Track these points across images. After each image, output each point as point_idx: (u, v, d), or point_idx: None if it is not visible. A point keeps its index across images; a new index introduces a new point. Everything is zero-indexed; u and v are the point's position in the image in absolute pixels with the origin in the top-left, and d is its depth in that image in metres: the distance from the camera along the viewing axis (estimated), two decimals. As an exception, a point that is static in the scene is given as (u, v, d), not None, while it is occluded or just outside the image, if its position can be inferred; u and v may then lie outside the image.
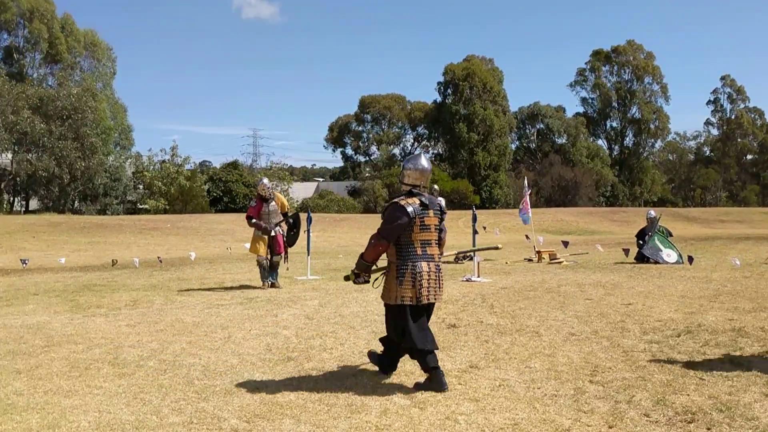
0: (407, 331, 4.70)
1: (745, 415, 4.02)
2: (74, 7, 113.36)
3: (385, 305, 4.90)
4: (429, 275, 4.73)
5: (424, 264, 4.73)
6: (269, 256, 10.06)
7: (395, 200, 4.82)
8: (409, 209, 4.69)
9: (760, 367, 4.99)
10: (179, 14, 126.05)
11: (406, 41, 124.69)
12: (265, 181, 10.42)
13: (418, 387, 4.66)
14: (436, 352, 4.75)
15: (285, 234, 10.28)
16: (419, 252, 4.75)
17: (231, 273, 12.20)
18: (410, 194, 4.83)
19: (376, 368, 5.16)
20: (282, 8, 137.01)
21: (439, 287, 4.83)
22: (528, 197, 15.06)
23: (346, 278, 5.05)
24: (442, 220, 4.97)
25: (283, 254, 10.25)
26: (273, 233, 10.06)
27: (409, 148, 65.36)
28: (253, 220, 10.06)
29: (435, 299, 4.79)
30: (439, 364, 5.28)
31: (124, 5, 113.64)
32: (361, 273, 4.89)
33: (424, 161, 4.96)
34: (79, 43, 49.11)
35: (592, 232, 32.50)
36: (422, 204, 4.77)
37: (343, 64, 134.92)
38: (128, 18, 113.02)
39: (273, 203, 10.12)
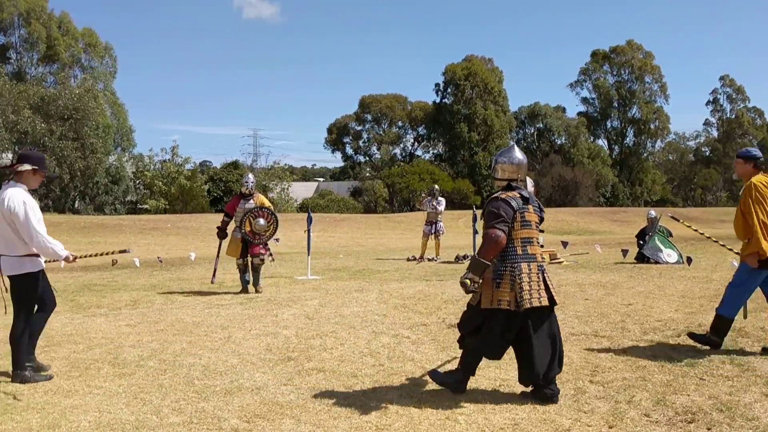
0: (483, 333, 4.40)
1: (745, 415, 4.02)
2: (74, 6, 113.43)
3: (469, 305, 4.54)
4: (530, 277, 4.32)
5: (524, 265, 4.33)
6: (246, 259, 9.41)
7: (495, 195, 4.46)
8: (512, 203, 4.35)
9: (760, 367, 5.00)
10: (179, 14, 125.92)
11: (406, 41, 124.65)
12: (250, 176, 9.85)
13: (435, 376, 4.54)
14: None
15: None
16: (519, 251, 4.35)
17: (231, 273, 12.19)
18: (509, 188, 4.48)
19: (366, 370, 5.16)
20: (283, 8, 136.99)
21: (545, 289, 4.37)
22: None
23: (462, 284, 4.35)
24: (542, 219, 4.59)
25: (260, 255, 9.43)
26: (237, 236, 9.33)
27: (410, 148, 65.43)
28: (223, 219, 9.66)
29: (539, 303, 4.32)
30: (440, 364, 5.31)
31: (125, 5, 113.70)
32: (475, 277, 4.28)
33: (519, 153, 4.57)
34: (76, 42, 49.19)
35: (592, 232, 32.50)
36: (523, 198, 4.42)
37: (344, 64, 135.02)
38: (128, 18, 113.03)
39: (251, 201, 9.50)
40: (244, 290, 9.44)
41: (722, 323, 5.56)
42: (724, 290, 5.74)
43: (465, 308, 4.65)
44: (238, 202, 9.59)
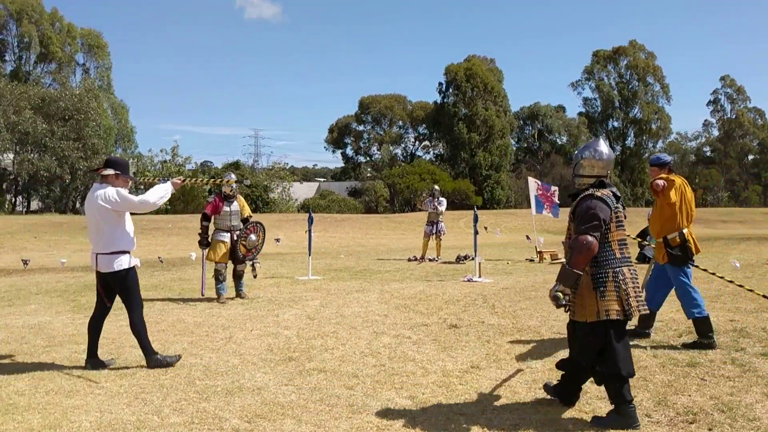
0: (610, 352, 3.91)
1: (746, 415, 4.02)
2: (75, 7, 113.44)
3: (574, 322, 4.09)
4: (634, 282, 3.94)
5: (625, 269, 3.94)
6: (230, 264, 8.87)
7: (589, 192, 4.02)
8: (609, 201, 3.94)
9: (761, 368, 4.99)
10: (181, 14, 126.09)
11: (407, 42, 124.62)
12: (232, 176, 9.16)
13: (599, 422, 3.90)
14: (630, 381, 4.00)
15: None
16: (618, 255, 3.96)
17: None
18: (602, 185, 4.07)
19: (367, 371, 5.16)
20: (284, 8, 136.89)
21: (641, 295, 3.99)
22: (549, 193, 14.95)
23: (554, 298, 3.93)
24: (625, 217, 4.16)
25: (247, 262, 8.93)
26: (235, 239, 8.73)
27: (411, 148, 65.42)
28: (202, 224, 8.89)
29: (641, 311, 3.96)
30: (442, 364, 5.30)
31: (125, 4, 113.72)
32: (566, 289, 3.92)
33: (605, 147, 4.16)
34: (74, 40, 49.34)
35: (593, 232, 32.47)
36: (615, 196, 4.02)
37: (345, 65, 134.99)
38: (128, 17, 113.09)
39: (235, 203, 8.87)
40: (221, 299, 8.76)
41: (700, 325, 5.75)
42: (678, 299, 5.97)
43: (569, 331, 4.21)
44: (221, 203, 8.82)
